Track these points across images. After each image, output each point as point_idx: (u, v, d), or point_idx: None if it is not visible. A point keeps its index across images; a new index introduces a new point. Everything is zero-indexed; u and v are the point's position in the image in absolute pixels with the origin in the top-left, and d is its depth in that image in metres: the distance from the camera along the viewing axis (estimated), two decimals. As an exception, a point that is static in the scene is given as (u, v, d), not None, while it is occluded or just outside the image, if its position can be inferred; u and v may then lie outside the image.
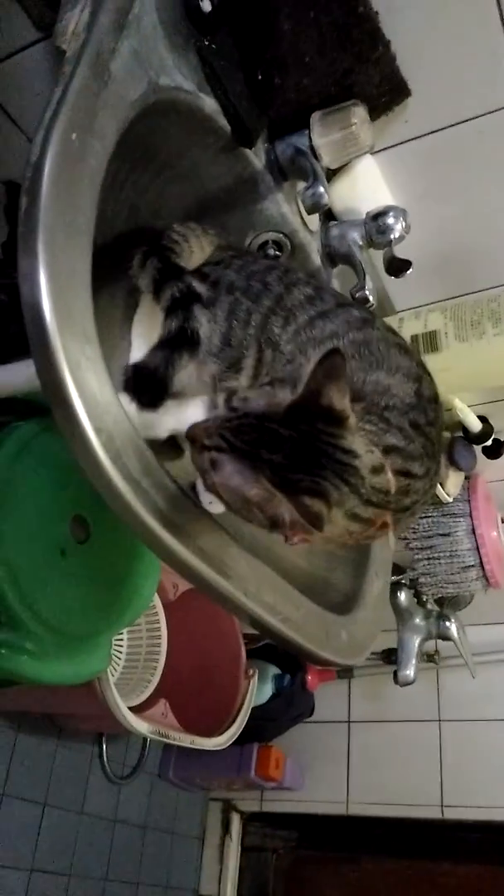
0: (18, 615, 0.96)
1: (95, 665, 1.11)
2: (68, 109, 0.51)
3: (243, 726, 1.74)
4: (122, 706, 1.35)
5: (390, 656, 1.89)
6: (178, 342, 0.68)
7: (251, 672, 1.81)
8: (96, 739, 1.81)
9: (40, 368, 0.47)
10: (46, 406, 1.10)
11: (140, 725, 1.40)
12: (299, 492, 0.53)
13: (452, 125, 0.98)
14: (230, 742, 1.67)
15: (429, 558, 1.56)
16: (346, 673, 2.12)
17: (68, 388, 0.47)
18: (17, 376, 0.94)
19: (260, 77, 0.79)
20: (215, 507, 0.66)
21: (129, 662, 1.61)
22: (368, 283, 0.95)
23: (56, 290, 0.47)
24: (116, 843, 1.84)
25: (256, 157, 0.81)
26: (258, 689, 1.87)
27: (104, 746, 1.80)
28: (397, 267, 0.94)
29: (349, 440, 0.57)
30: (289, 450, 0.54)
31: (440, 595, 1.69)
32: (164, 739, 1.46)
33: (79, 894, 1.69)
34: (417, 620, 1.77)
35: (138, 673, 1.60)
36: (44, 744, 1.64)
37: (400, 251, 0.97)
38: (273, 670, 2.07)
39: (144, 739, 1.94)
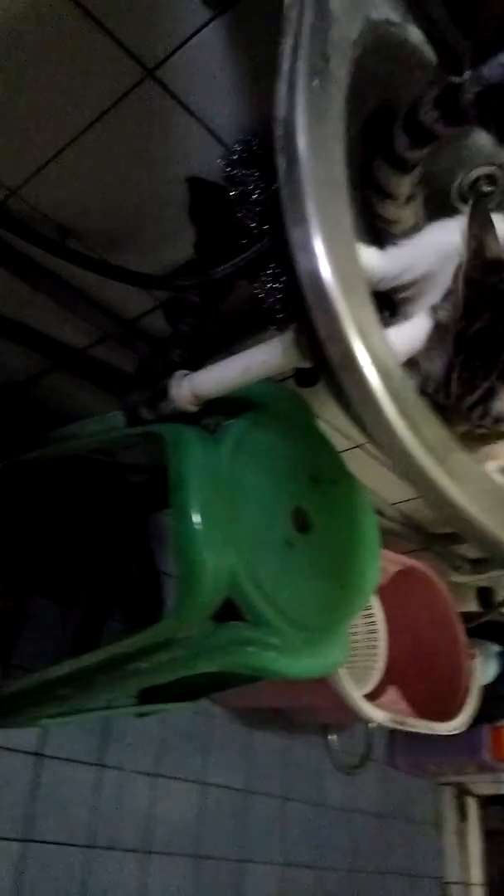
0: (262, 612, 0.95)
1: (338, 656, 1.08)
2: (305, 55, 0.47)
3: (474, 707, 1.65)
4: (356, 696, 1.32)
5: None
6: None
7: (474, 651, 1.71)
8: (324, 731, 1.80)
9: (328, 339, 0.43)
10: (251, 401, 1.09)
11: (377, 714, 1.36)
12: None
13: None
14: (467, 725, 1.59)
15: None
16: None
17: (358, 356, 0.43)
18: (228, 374, 0.93)
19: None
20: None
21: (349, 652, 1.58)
22: None
23: (333, 253, 0.43)
24: (357, 833, 1.82)
25: (467, 87, 0.73)
26: (483, 669, 1.78)
27: (333, 737, 1.79)
28: None
29: None
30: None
31: None
32: (402, 727, 1.41)
33: (330, 886, 1.69)
34: None
35: (360, 662, 1.56)
36: (277, 739, 1.65)
37: None
38: (495, 648, 1.96)
39: (369, 728, 1.91)
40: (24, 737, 1.24)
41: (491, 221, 0.54)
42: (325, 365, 0.72)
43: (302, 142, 0.44)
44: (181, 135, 0.91)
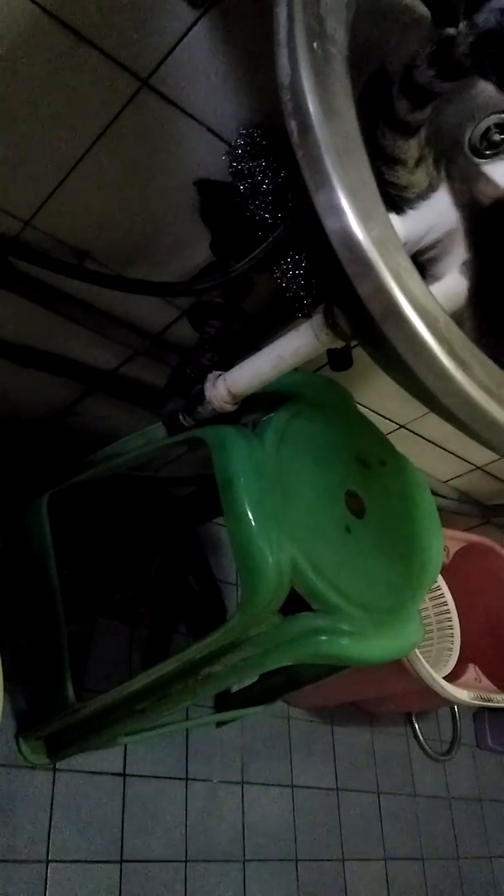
0: (329, 599, 0.94)
1: (412, 636, 1.06)
2: (300, 19, 0.47)
3: None
4: (437, 678, 1.30)
5: None
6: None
7: (548, 619, 1.67)
8: (407, 720, 1.77)
9: (368, 294, 0.43)
10: (287, 393, 1.08)
11: (460, 694, 1.33)
12: None
13: None
14: (553, 694, 1.55)
15: None
16: None
17: (401, 303, 0.42)
18: (261, 367, 0.93)
19: None
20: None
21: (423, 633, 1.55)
22: None
23: (360, 207, 0.42)
24: (457, 819, 1.78)
25: (461, 38, 0.73)
26: None
27: (416, 726, 1.76)
28: None
29: None
30: None
31: None
32: (489, 704, 1.38)
33: (436, 876, 1.66)
34: None
35: (435, 643, 1.53)
36: (359, 733, 1.63)
37: None
38: None
39: (453, 712, 1.88)
40: (107, 759, 1.24)
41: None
42: (362, 333, 0.71)
43: (312, 101, 0.43)
44: (184, 139, 0.91)
